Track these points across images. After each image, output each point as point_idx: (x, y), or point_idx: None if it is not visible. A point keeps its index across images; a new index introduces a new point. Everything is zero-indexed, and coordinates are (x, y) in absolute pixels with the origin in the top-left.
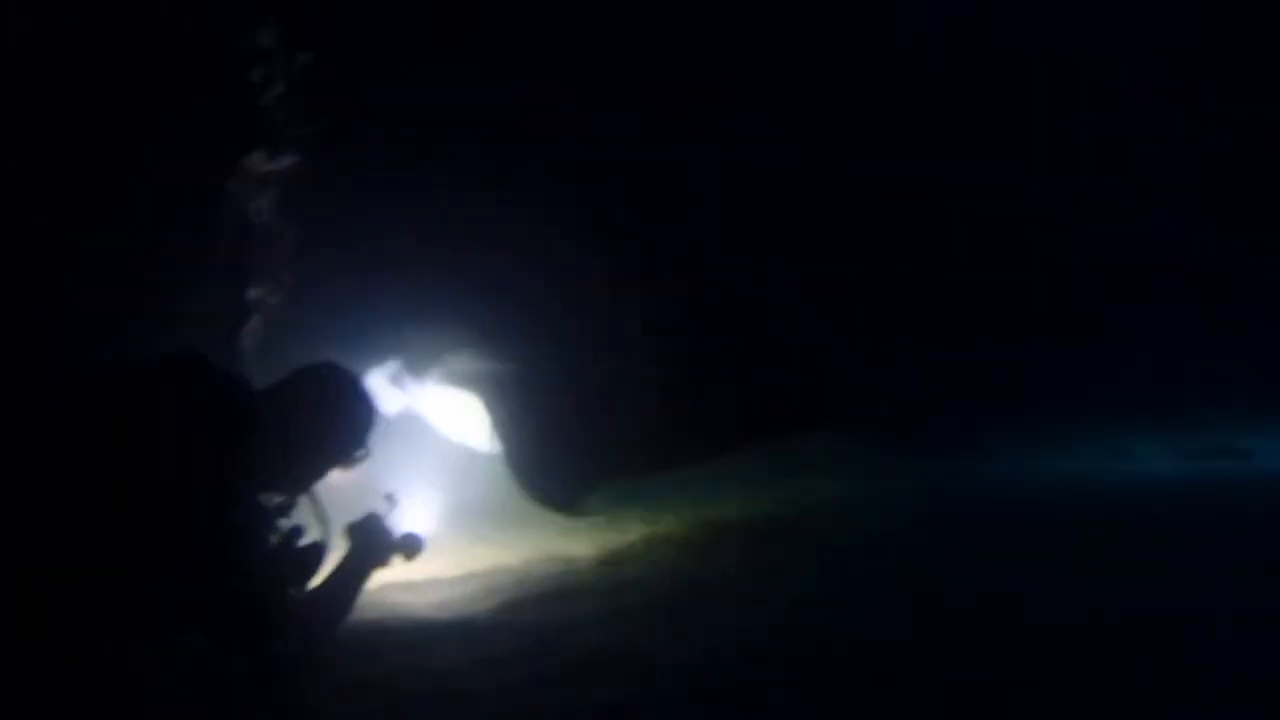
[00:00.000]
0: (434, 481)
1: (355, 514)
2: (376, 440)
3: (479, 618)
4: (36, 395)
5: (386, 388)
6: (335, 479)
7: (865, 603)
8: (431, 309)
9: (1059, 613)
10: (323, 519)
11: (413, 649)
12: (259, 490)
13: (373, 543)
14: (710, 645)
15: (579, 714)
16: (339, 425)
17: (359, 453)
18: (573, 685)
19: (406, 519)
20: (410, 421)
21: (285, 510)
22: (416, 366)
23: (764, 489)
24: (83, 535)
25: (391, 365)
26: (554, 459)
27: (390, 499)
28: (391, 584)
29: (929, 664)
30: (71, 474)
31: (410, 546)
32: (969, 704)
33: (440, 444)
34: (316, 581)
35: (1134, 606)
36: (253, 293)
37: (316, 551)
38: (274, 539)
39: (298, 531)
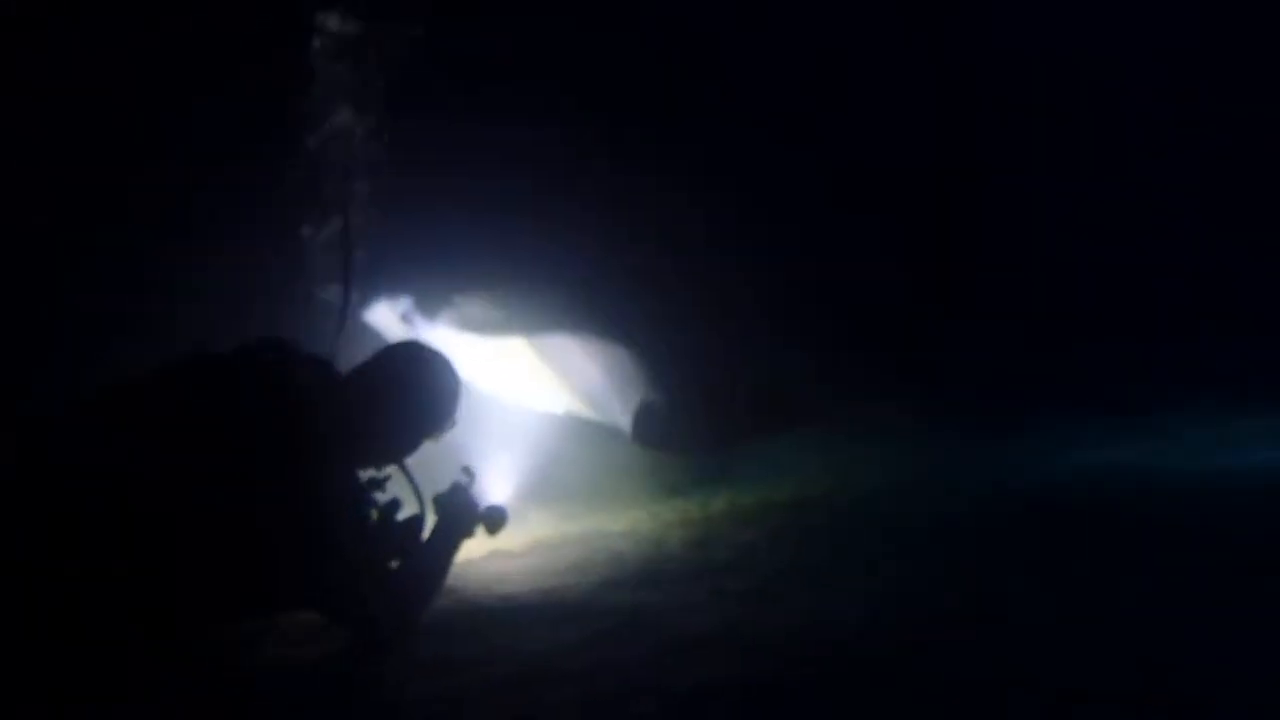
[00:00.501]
0: (511, 451)
1: (437, 487)
2: (462, 413)
3: (569, 596)
4: (131, 387)
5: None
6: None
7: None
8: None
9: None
10: (417, 493)
11: (504, 628)
12: (355, 467)
13: (459, 515)
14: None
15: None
16: (429, 399)
17: (448, 425)
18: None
19: (488, 492)
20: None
21: (379, 485)
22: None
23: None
24: (190, 520)
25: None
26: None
27: (469, 471)
28: (478, 558)
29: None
30: (173, 461)
31: (494, 519)
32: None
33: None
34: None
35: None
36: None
37: (415, 525)
38: (373, 514)
39: (395, 505)
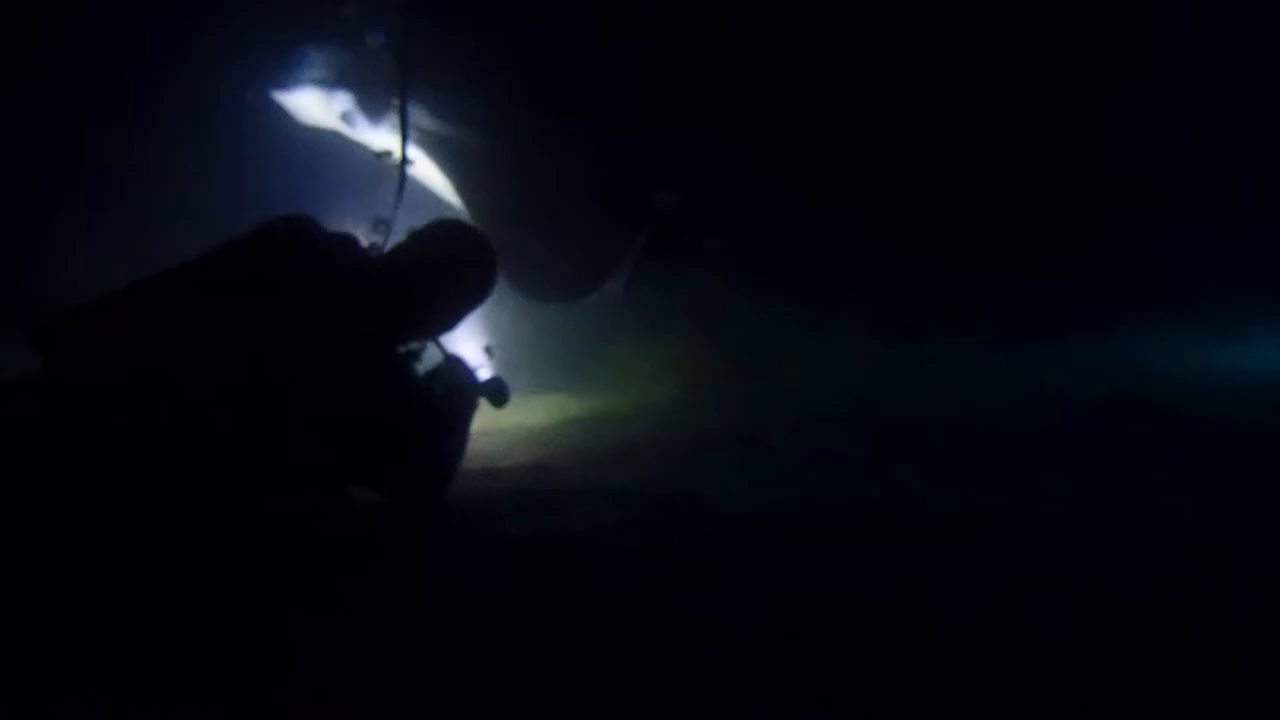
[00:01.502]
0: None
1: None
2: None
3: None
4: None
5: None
6: None
7: None
8: None
9: None
10: (452, 365)
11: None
12: (400, 342)
13: (462, 389)
14: None
15: None
16: (470, 277)
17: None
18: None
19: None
20: None
21: (417, 356)
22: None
23: None
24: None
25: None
26: None
27: (490, 351)
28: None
29: None
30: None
31: (497, 391)
32: None
33: None
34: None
35: None
36: None
37: (466, 397)
38: (418, 386)
39: (436, 376)
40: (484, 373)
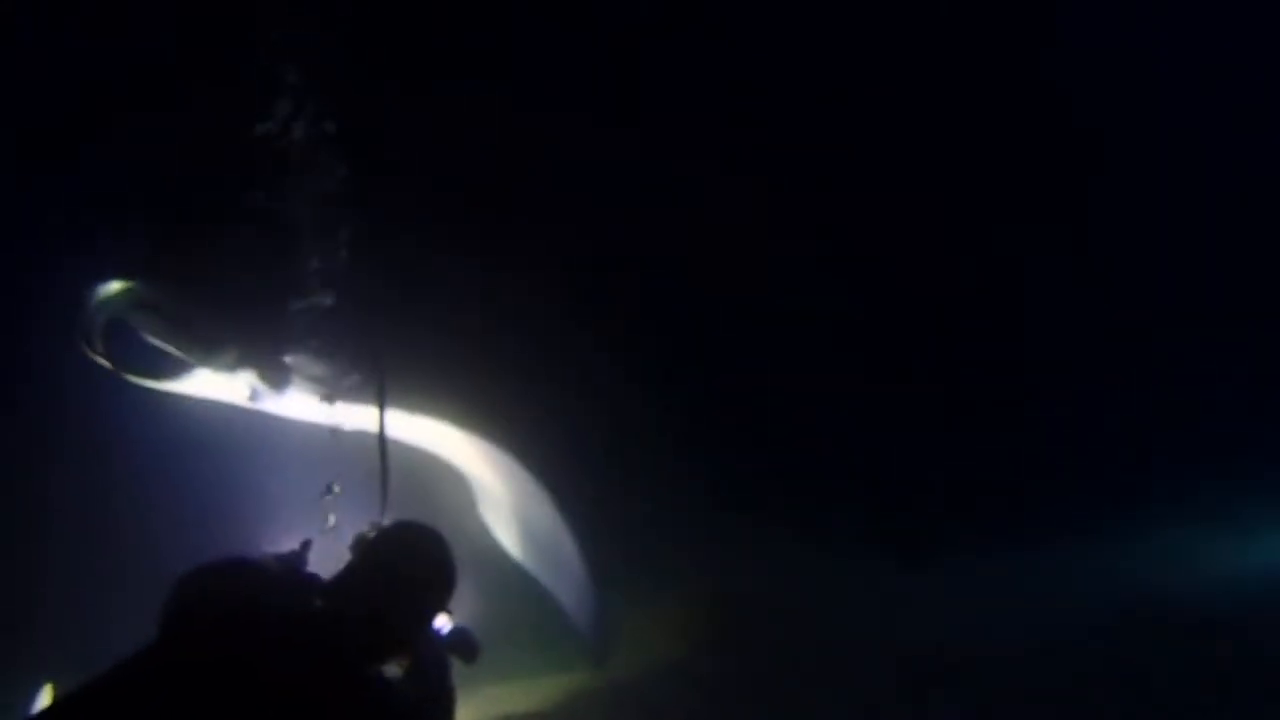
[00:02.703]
0: None
1: None
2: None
3: None
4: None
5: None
6: None
7: None
8: None
9: None
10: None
11: None
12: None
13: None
14: None
15: None
16: (436, 579)
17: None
18: None
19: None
20: None
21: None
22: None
23: None
24: None
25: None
26: None
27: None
28: None
29: None
30: None
31: (464, 644)
32: None
33: None
34: None
35: None
36: None
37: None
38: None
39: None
40: (444, 622)
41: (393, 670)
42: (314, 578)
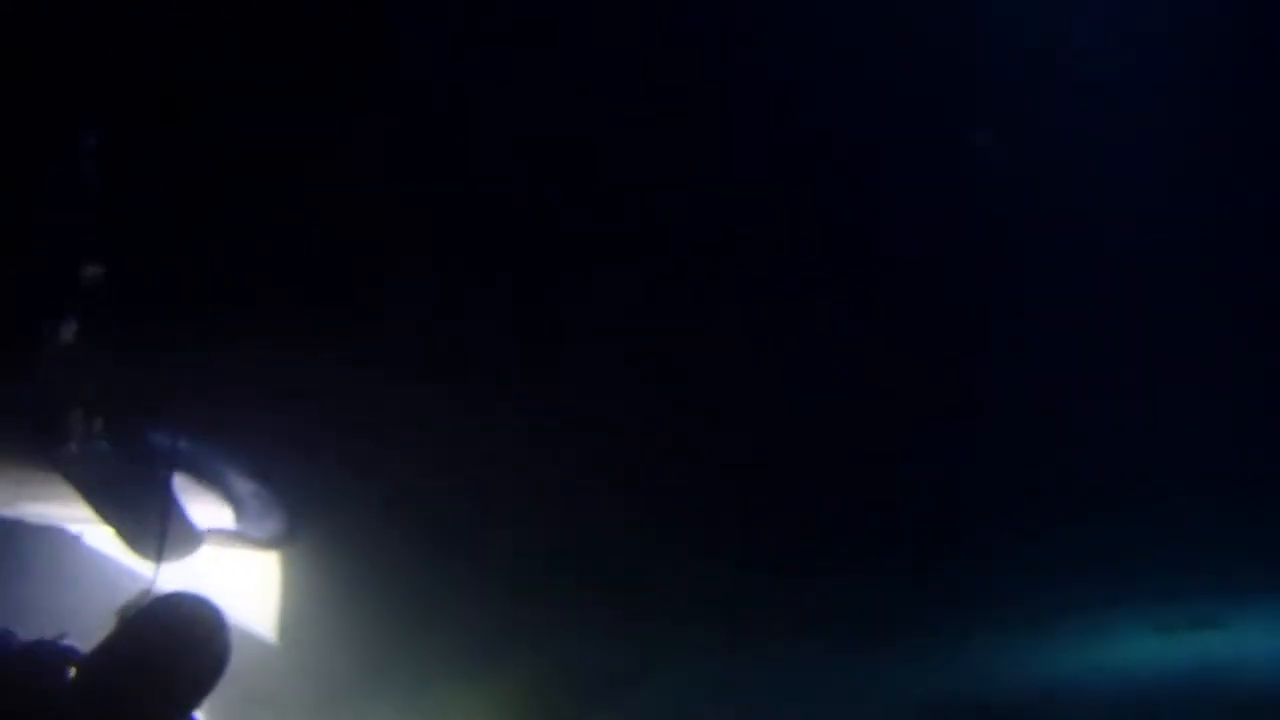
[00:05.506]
0: None
1: None
2: None
3: None
4: None
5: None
6: None
7: None
8: None
9: None
10: None
11: None
12: None
13: None
14: None
15: None
16: (203, 655)
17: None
18: None
19: None
20: None
21: None
22: None
23: None
24: None
25: None
26: None
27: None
28: None
29: None
30: None
31: None
32: None
33: None
34: None
35: None
36: None
37: None
38: None
39: None
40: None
41: None
42: (71, 650)
